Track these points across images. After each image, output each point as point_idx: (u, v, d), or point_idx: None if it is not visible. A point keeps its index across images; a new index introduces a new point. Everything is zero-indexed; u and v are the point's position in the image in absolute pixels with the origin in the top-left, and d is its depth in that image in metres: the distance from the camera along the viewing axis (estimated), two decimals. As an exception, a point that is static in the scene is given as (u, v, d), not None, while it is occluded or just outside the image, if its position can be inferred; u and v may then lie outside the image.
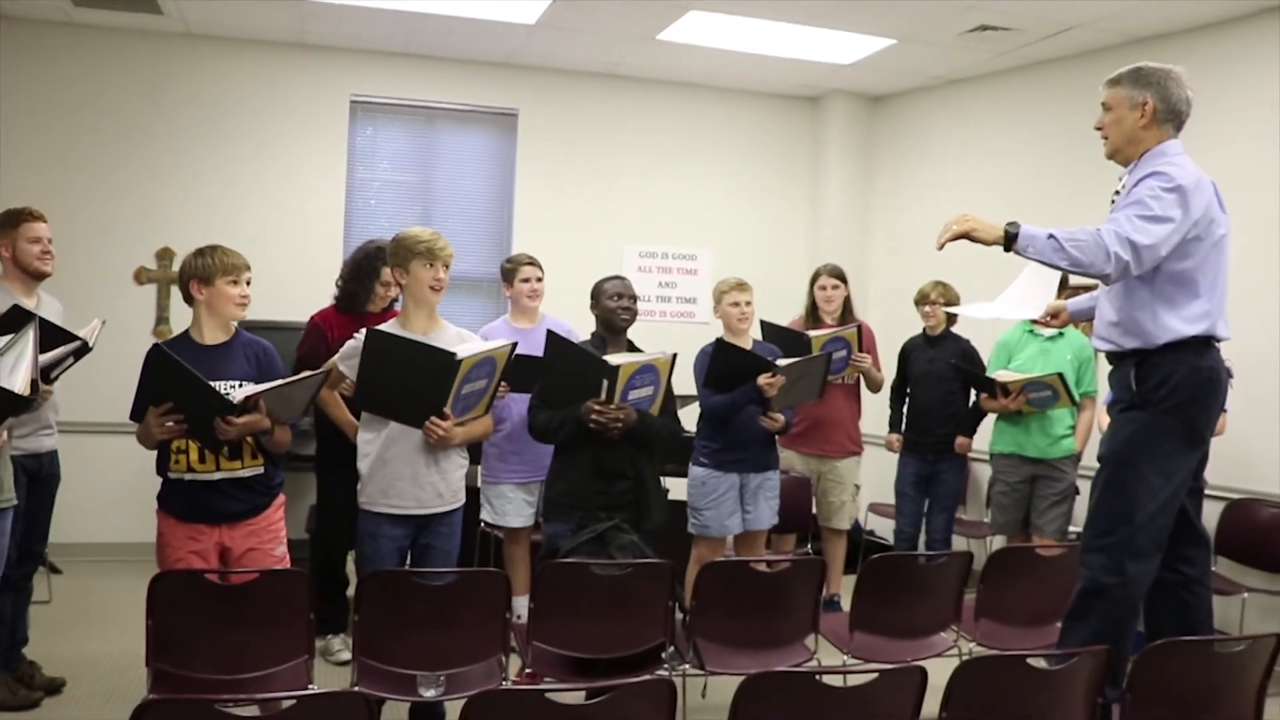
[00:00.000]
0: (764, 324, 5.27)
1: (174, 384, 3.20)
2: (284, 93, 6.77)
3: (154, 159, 6.55)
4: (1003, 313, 4.34)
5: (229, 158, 6.68)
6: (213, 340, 3.44)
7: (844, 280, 5.67)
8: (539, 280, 4.89)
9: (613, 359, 3.84)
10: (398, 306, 4.87)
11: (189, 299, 3.44)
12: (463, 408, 3.50)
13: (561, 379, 3.96)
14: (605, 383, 3.79)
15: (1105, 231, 3.10)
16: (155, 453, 3.39)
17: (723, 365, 4.60)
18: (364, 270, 4.75)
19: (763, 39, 6.38)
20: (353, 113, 6.91)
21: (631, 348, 4.18)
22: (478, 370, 3.46)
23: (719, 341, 4.69)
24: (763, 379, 4.48)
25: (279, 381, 3.37)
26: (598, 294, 4.23)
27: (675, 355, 4.03)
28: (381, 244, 4.62)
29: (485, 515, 4.93)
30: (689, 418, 4.96)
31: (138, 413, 3.26)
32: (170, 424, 3.21)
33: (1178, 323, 3.22)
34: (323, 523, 4.76)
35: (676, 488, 5.34)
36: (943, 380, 5.57)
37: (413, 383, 3.40)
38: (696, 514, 4.77)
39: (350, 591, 4.95)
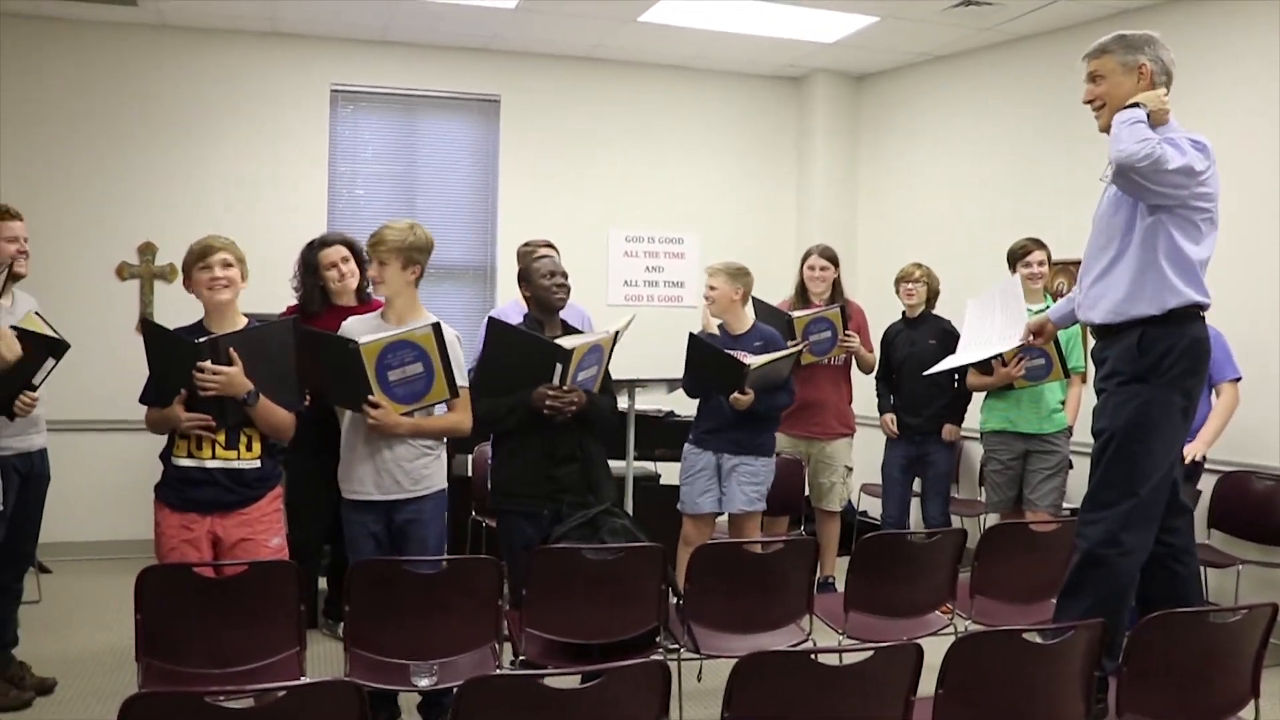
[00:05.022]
0: (755, 301, 5.26)
1: (165, 350, 3.34)
2: (263, 83, 6.70)
3: (133, 154, 6.49)
4: (982, 354, 4.35)
5: (210, 150, 6.62)
6: (219, 330, 3.41)
7: (835, 262, 5.61)
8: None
9: (565, 342, 3.77)
10: (377, 297, 4.93)
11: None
12: (403, 395, 3.50)
13: (506, 365, 3.81)
14: (559, 367, 3.72)
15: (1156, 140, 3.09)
16: (152, 446, 3.47)
17: (693, 361, 4.65)
18: (304, 270, 4.90)
19: (745, 19, 6.34)
20: (333, 102, 6.84)
21: (565, 327, 4.05)
22: (396, 355, 3.47)
23: (690, 336, 4.68)
24: (733, 398, 4.53)
25: (244, 326, 3.43)
26: (528, 274, 4.00)
27: (617, 334, 3.99)
28: (311, 241, 4.98)
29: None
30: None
31: (149, 395, 3.40)
32: (195, 425, 3.33)
33: (1185, 288, 3.20)
34: (290, 518, 4.72)
35: (668, 472, 5.35)
36: (926, 363, 5.50)
37: (337, 371, 3.53)
38: (681, 489, 4.84)
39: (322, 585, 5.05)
